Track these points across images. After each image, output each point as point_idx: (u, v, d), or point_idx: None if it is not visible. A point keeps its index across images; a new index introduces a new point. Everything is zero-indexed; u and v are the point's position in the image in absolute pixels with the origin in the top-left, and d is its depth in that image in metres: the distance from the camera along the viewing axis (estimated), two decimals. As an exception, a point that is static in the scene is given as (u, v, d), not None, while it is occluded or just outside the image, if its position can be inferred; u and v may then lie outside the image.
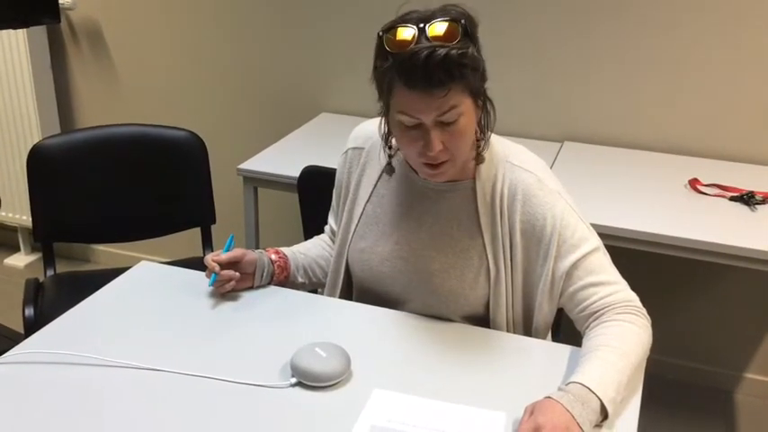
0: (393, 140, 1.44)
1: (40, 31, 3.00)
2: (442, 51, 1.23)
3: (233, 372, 1.29)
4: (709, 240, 1.92)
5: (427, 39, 1.25)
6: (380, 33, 1.28)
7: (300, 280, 1.64)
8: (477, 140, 1.39)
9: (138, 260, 1.72)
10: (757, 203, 2.11)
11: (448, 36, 1.25)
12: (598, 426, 1.19)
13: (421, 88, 1.25)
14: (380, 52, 1.29)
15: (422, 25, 1.26)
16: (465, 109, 1.30)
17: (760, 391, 2.68)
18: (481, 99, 1.34)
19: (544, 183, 1.41)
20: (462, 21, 1.27)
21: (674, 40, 2.39)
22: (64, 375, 1.27)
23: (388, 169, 1.47)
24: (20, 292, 2.07)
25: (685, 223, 2.00)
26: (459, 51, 1.24)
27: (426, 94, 1.26)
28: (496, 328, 1.46)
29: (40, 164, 2.12)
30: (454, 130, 1.30)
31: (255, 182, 2.36)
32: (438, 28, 1.25)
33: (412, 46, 1.24)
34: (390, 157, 1.46)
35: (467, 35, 1.27)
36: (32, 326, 1.95)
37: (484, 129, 1.40)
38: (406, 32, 1.26)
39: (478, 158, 1.41)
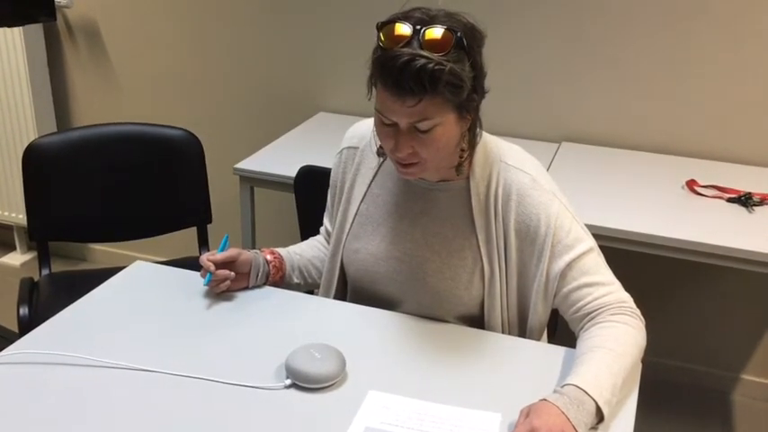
0: None
1: (37, 29, 2.99)
2: (419, 62, 1.21)
3: (227, 373, 1.29)
4: (706, 242, 1.92)
5: (419, 42, 1.24)
6: (379, 24, 1.28)
7: (296, 281, 1.63)
8: (462, 151, 1.38)
9: (133, 259, 1.72)
10: (755, 205, 2.11)
11: (438, 46, 1.23)
12: (594, 428, 1.19)
13: (394, 92, 1.25)
14: (376, 42, 1.29)
15: (419, 27, 1.25)
16: (443, 121, 1.28)
17: (757, 393, 2.68)
18: (469, 113, 1.33)
19: (539, 183, 1.41)
20: (459, 33, 1.25)
21: (672, 42, 2.39)
22: (57, 375, 1.27)
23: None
24: (15, 291, 2.06)
25: (682, 224, 2.00)
26: (438, 66, 1.22)
27: (399, 99, 1.25)
28: (491, 328, 1.46)
29: (36, 162, 2.11)
30: (426, 138, 1.29)
31: (252, 181, 2.36)
32: (431, 34, 1.24)
33: (400, 46, 1.23)
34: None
35: (461, 48, 1.25)
36: (27, 325, 1.94)
37: (471, 141, 1.38)
38: (402, 29, 1.25)
39: (459, 170, 1.40)
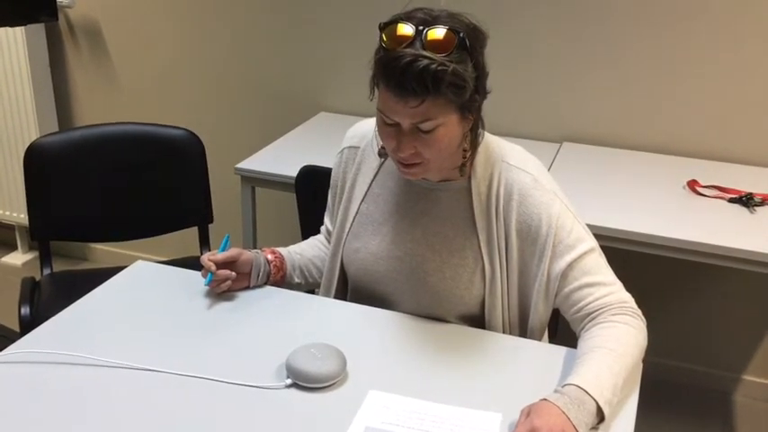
0: None
1: (39, 28, 3.00)
2: (422, 63, 1.21)
3: (228, 372, 1.29)
4: (707, 242, 1.92)
5: (421, 43, 1.23)
6: (381, 24, 1.28)
7: (297, 280, 1.63)
8: (465, 151, 1.38)
9: (134, 259, 1.72)
10: (756, 205, 2.10)
11: (441, 46, 1.23)
12: (594, 428, 1.19)
13: (396, 93, 1.25)
14: (378, 43, 1.29)
15: (421, 28, 1.24)
16: (445, 121, 1.28)
17: (758, 394, 2.68)
18: (472, 114, 1.33)
19: (540, 183, 1.41)
20: (462, 33, 1.25)
21: (673, 42, 2.39)
22: (58, 375, 1.27)
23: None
24: (16, 290, 2.07)
25: (684, 225, 2.00)
26: (440, 67, 1.22)
27: (401, 99, 1.25)
28: (492, 328, 1.46)
29: (38, 162, 2.12)
30: (429, 139, 1.29)
31: (253, 181, 2.36)
32: (433, 35, 1.23)
33: (402, 47, 1.23)
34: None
35: (463, 48, 1.25)
36: (28, 325, 1.94)
37: (473, 142, 1.38)
38: (405, 29, 1.25)
39: (462, 170, 1.40)
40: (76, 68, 3.13)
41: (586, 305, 1.37)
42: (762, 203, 2.11)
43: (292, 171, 2.06)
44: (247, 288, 1.55)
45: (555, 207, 1.39)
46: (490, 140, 1.45)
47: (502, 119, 2.61)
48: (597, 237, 1.45)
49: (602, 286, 1.38)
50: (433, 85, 1.23)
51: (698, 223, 2.01)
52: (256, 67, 2.88)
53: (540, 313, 1.44)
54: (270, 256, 1.58)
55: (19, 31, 2.93)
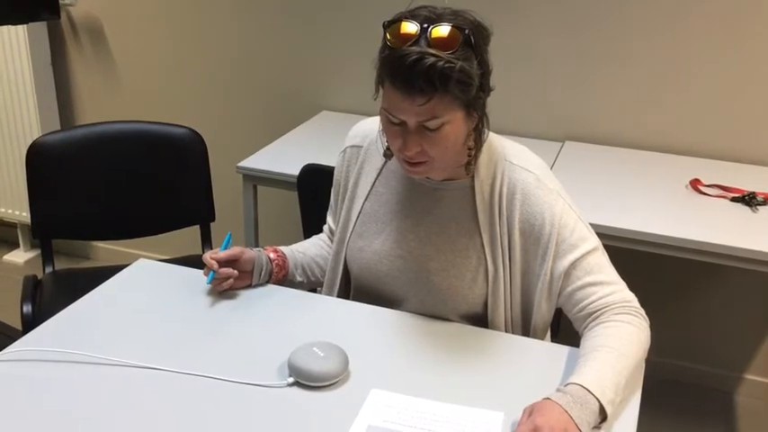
0: None
1: (41, 27, 3.00)
2: (429, 60, 1.21)
3: (230, 371, 1.29)
4: (709, 241, 1.92)
5: (426, 40, 1.23)
6: (385, 23, 1.28)
7: (299, 279, 1.63)
8: (470, 149, 1.38)
9: (136, 257, 1.72)
10: (758, 204, 2.10)
11: (446, 44, 1.23)
12: (597, 427, 1.18)
13: (403, 91, 1.25)
14: (383, 42, 1.28)
15: (426, 25, 1.24)
16: (451, 119, 1.28)
17: (760, 393, 2.68)
18: (477, 111, 1.32)
19: (543, 182, 1.40)
20: (467, 30, 1.25)
21: (676, 41, 2.38)
22: (60, 373, 1.27)
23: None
24: (19, 288, 2.07)
25: (686, 224, 1.99)
26: (447, 64, 1.22)
27: (408, 97, 1.25)
28: (495, 327, 1.46)
29: (40, 160, 2.12)
30: (435, 137, 1.29)
31: (255, 180, 2.36)
32: (438, 33, 1.23)
33: (408, 45, 1.23)
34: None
35: (468, 46, 1.25)
36: (30, 323, 1.95)
37: (477, 139, 1.38)
38: (409, 27, 1.25)
39: (468, 168, 1.40)
40: (78, 67, 3.13)
41: (589, 304, 1.37)
42: (764, 203, 2.11)
43: (294, 170, 2.06)
44: (249, 286, 1.55)
45: (558, 206, 1.39)
46: (493, 139, 1.45)
47: (504, 118, 2.61)
48: (599, 236, 1.44)
49: (605, 285, 1.38)
50: (440, 82, 1.22)
51: (700, 222, 2.00)
52: (258, 66, 2.88)
53: (542, 312, 1.44)
54: (272, 255, 1.58)
55: (21, 30, 2.94)
